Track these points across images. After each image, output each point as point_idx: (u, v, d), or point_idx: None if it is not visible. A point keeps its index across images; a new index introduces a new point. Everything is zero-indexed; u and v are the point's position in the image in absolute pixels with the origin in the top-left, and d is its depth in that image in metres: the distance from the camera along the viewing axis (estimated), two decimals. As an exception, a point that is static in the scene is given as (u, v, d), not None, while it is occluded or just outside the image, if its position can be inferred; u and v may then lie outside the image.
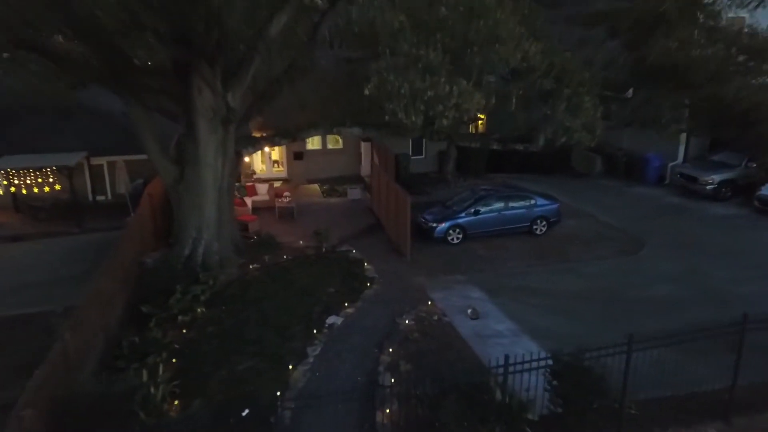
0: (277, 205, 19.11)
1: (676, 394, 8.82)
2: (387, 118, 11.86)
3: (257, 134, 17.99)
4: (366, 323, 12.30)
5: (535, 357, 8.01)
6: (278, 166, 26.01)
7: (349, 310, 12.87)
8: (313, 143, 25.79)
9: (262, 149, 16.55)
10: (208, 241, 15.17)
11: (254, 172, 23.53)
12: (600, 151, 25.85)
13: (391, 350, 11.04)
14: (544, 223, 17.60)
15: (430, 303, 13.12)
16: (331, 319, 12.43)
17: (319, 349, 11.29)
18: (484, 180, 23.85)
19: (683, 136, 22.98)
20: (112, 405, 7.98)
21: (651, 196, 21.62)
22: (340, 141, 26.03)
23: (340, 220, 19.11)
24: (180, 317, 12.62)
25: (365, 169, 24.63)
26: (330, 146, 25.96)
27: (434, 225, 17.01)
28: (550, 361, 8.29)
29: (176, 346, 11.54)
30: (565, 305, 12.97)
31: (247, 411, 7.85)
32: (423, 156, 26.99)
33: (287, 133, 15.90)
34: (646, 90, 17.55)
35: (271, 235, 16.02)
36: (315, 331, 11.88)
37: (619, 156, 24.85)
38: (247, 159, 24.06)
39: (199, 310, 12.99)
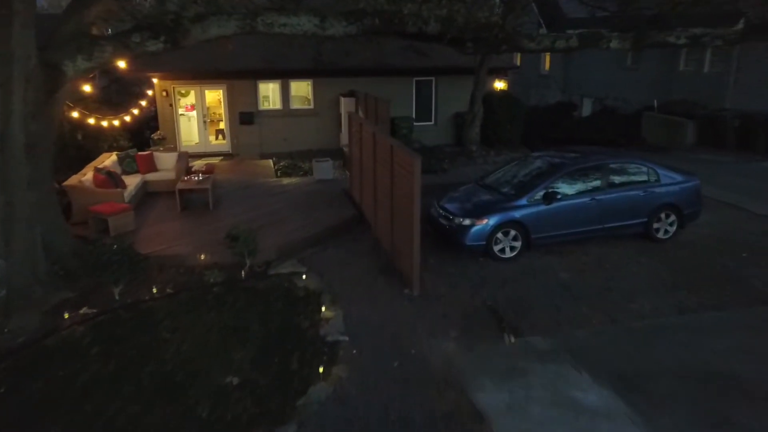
0: (177, 188, 10.73)
1: None
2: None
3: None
4: None
5: None
6: (221, 138, 17.77)
7: (257, 462, 4.60)
8: (273, 100, 17.52)
9: (111, 61, 8.04)
10: (-21, 258, 6.94)
11: (163, 137, 14.98)
12: (691, 115, 17.86)
13: None
14: (672, 217, 9.31)
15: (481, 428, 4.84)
16: (196, 503, 4.19)
17: None
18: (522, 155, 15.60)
19: None
20: None
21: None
22: (310, 98, 17.76)
23: (291, 214, 10.82)
24: None
25: (347, 139, 16.39)
26: (295, 105, 17.67)
27: (465, 222, 8.65)
28: None
29: None
30: None
31: None
32: (432, 122, 18.78)
33: (161, 27, 7.56)
34: None
35: (126, 243, 7.65)
36: None
37: (728, 118, 16.66)
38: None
39: None
